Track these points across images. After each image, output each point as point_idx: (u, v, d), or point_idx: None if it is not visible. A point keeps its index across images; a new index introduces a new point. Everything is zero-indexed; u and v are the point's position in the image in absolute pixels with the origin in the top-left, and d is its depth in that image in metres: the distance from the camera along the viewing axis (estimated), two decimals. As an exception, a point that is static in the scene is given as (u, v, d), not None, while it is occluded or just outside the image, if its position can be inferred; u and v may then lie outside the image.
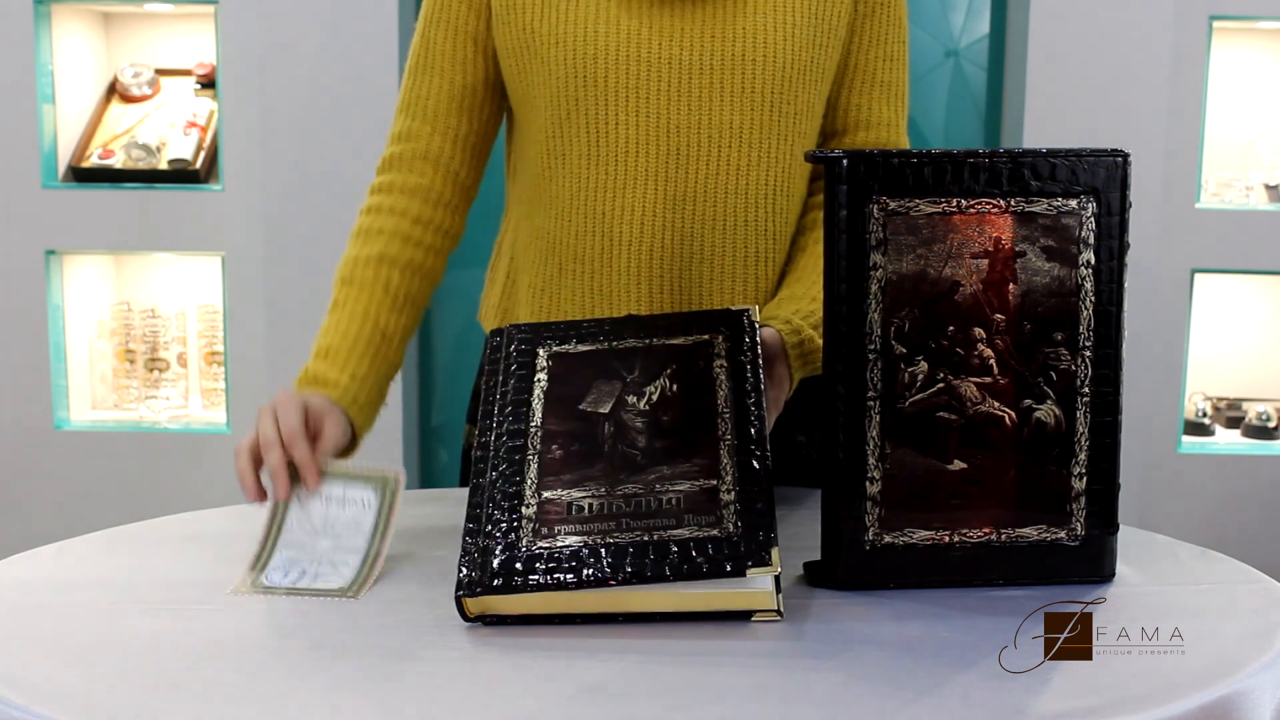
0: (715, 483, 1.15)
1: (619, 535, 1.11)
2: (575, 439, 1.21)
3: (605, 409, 1.24)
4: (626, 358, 1.29)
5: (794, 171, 1.47)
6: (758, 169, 1.44)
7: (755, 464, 1.16)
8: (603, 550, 1.09)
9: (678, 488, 1.15)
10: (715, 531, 1.10)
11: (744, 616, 1.10)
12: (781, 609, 1.10)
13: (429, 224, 1.47)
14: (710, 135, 1.42)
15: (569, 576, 1.08)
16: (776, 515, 1.14)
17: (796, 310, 1.40)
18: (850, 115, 1.51)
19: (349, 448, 1.38)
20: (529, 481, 1.17)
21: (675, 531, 1.11)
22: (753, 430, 1.19)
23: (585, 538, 1.11)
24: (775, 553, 1.08)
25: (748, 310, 1.32)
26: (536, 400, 1.25)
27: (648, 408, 1.23)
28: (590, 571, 1.08)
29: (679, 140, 1.41)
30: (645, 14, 1.40)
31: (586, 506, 1.14)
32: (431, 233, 1.48)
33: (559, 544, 1.11)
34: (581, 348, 1.31)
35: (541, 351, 1.30)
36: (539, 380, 1.28)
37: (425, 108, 1.49)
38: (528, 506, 1.15)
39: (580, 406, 1.24)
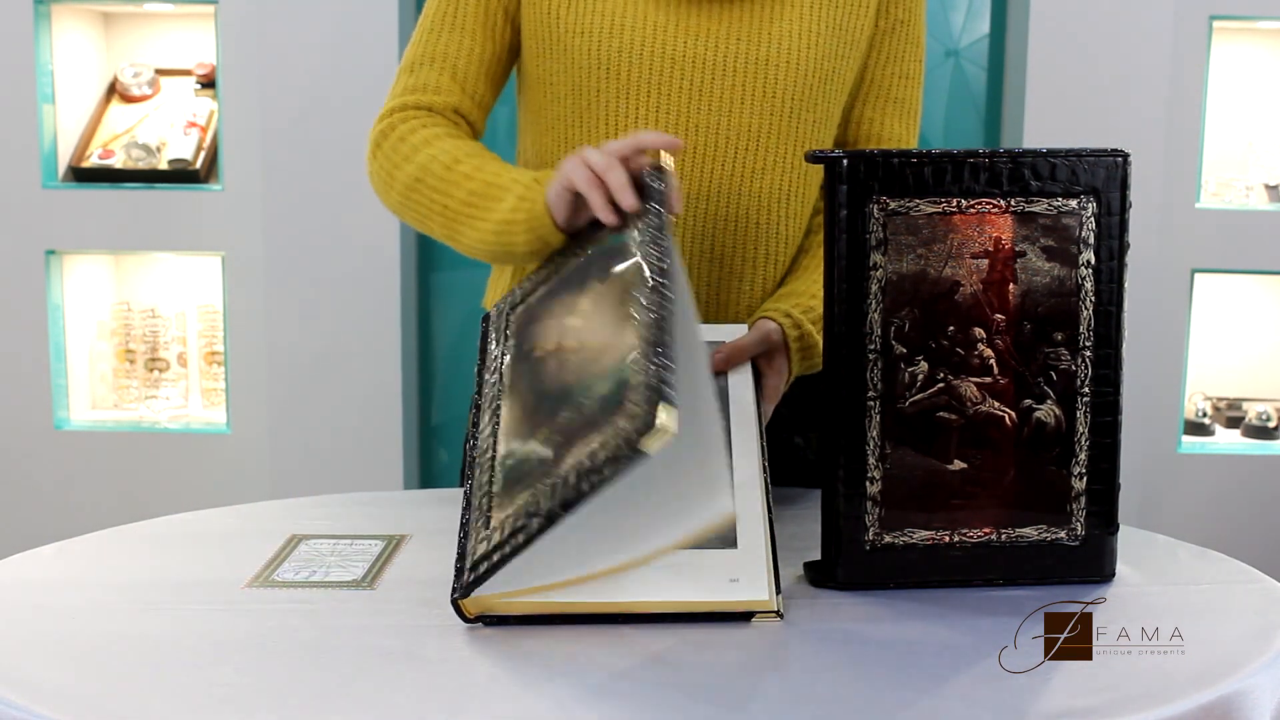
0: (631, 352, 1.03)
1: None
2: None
3: (551, 346, 1.19)
4: (570, 281, 1.23)
5: (808, 177, 1.47)
6: (773, 172, 1.44)
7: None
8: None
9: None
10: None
11: (744, 618, 1.09)
12: (781, 609, 1.10)
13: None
14: (728, 137, 1.41)
15: (520, 538, 1.03)
16: (776, 516, 1.14)
17: (796, 305, 1.40)
18: (863, 129, 1.51)
19: None
20: None
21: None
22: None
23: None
24: (666, 410, 0.93)
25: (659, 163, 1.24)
26: (507, 379, 1.22)
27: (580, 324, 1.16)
28: (540, 520, 1.01)
29: (697, 139, 1.41)
30: (673, 11, 1.39)
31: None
32: None
33: None
34: (541, 290, 1.26)
35: (511, 317, 1.27)
36: (508, 349, 1.24)
37: (455, 67, 1.45)
38: None
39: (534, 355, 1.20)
